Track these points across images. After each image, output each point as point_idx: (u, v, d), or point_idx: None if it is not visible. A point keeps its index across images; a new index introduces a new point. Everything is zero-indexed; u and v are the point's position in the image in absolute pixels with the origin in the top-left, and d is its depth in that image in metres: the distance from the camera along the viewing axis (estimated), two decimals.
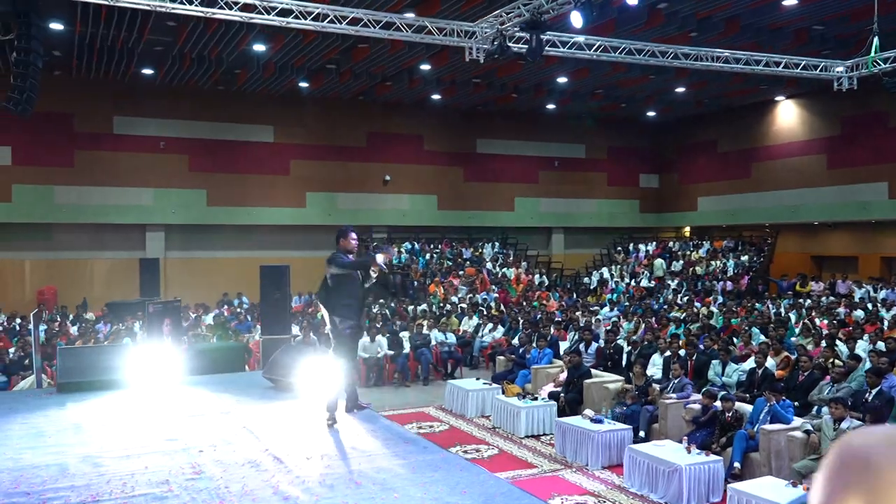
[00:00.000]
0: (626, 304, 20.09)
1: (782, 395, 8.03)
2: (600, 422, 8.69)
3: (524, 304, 20.92)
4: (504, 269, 24.38)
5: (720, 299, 20.99)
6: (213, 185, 23.54)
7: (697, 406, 8.56)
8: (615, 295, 22.78)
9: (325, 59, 19.66)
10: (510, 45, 11.66)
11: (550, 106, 26.18)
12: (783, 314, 16.67)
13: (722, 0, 15.53)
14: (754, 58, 17.11)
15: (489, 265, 24.78)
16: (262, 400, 7.04)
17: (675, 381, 9.29)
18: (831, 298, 19.89)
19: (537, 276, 24.56)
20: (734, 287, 23.15)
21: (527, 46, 11.60)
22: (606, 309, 19.15)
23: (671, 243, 27.93)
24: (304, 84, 22.24)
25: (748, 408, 8.30)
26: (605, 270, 26.32)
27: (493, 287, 22.64)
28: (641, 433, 8.90)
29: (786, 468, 7.27)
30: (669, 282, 24.34)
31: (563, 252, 28.90)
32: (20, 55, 13.24)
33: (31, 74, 13.41)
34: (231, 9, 12.81)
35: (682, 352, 10.92)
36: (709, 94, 24.40)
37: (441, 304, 20.01)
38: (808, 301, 19.65)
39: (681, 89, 23.55)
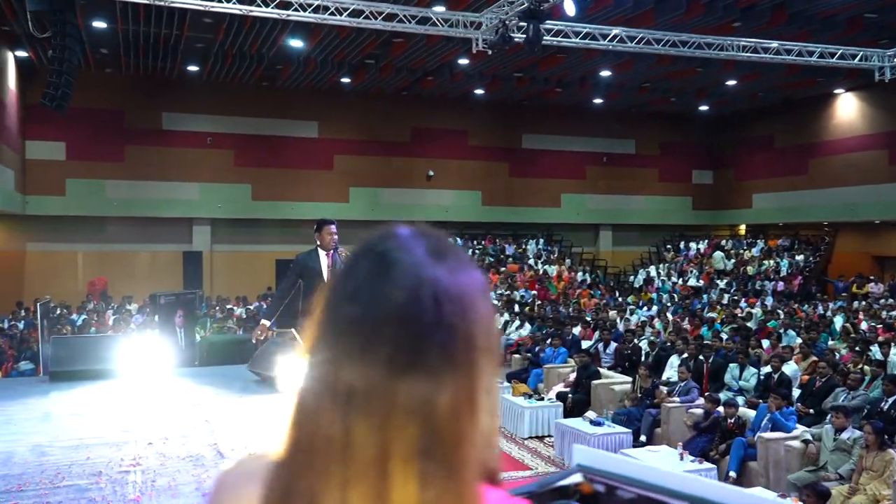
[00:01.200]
0: (667, 303, 19.53)
1: (785, 402, 7.59)
2: (600, 424, 8.42)
3: (564, 301, 20.57)
4: (546, 267, 24.02)
5: (770, 300, 20.23)
6: (258, 180, 23.89)
7: (700, 411, 8.20)
8: (659, 294, 22.18)
9: (364, 54, 19.68)
10: (512, 35, 11.37)
11: (598, 100, 25.64)
12: (829, 316, 15.92)
13: None
14: (807, 48, 16.31)
15: (531, 262, 24.45)
16: (240, 393, 7.04)
17: (682, 385, 8.92)
18: (890, 301, 18.92)
19: (580, 273, 24.10)
20: (786, 288, 22.25)
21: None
22: (645, 308, 18.67)
23: (723, 241, 27.03)
24: (346, 79, 22.35)
25: (753, 414, 7.90)
26: (651, 269, 25.66)
27: (535, 284, 22.35)
28: (643, 437, 8.58)
29: (784, 479, 6.88)
30: (718, 281, 23.57)
31: (611, 249, 28.32)
32: (56, 52, 13.68)
33: (67, 71, 13.83)
34: (267, 6, 12.87)
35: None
36: (763, 86, 23.47)
37: None
38: (863, 303, 18.73)
39: (732, 82, 22.72)
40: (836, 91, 24.16)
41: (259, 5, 13.13)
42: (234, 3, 12.76)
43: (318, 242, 5.94)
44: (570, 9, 10.78)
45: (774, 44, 16.45)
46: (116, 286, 21.73)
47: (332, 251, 5.89)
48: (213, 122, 23.44)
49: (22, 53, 19.71)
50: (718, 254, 25.14)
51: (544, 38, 13.93)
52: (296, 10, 12.86)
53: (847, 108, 24.28)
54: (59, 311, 16.99)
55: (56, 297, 20.12)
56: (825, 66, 19.82)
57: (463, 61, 20.20)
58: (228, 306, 18.37)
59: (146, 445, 5.20)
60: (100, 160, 22.30)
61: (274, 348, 7.41)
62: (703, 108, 26.96)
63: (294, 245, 23.81)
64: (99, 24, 17.19)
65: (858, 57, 15.90)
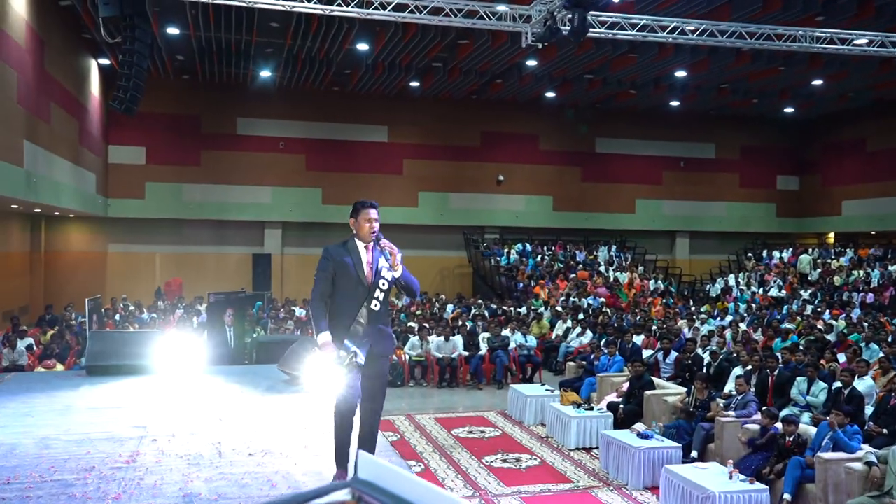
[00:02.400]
0: (744, 314, 18.56)
1: (850, 419, 6.93)
2: (648, 437, 7.90)
3: (633, 310, 19.86)
4: (617, 274, 23.30)
5: (857, 312, 18.97)
6: (329, 184, 24.13)
7: (756, 427, 7.59)
8: (737, 304, 21.13)
9: (430, 57, 19.58)
10: (560, 27, 10.94)
11: (674, 102, 24.78)
12: None
13: None
14: (890, 39, 15.21)
15: (602, 269, 23.78)
16: (264, 392, 6.92)
17: (739, 398, 8.31)
18: None
19: (652, 281, 23.27)
20: (876, 300, 20.84)
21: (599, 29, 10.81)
22: (719, 318, 17.80)
23: (809, 250, 25.62)
24: (415, 83, 22.34)
25: (814, 432, 7.25)
26: (730, 277, 24.55)
27: (605, 290, 21.67)
28: (694, 453, 8.02)
29: None
30: (802, 292, 22.31)
31: (688, 258, 27.30)
32: (126, 56, 14.07)
33: (136, 75, 14.19)
34: (331, 3, 12.83)
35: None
36: (853, 86, 22.16)
37: (544, 307, 19.39)
38: None
39: (818, 82, 21.53)
40: None
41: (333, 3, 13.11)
42: (314, 3, 12.75)
43: (354, 231, 4.66)
44: None
45: (863, 40, 15.38)
46: (191, 287, 22.29)
47: (371, 243, 4.63)
48: (285, 126, 23.84)
49: (105, 61, 20.50)
50: (805, 257, 23.92)
51: (612, 34, 13.48)
52: (339, 4, 12.63)
53: None
54: (130, 309, 17.49)
55: (132, 297, 20.83)
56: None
57: (531, 63, 19.84)
58: (293, 308, 18.50)
59: (150, 442, 5.11)
60: (177, 164, 22.98)
61: (303, 348, 7.27)
62: (788, 109, 25.69)
63: None
64: (173, 31, 17.67)
65: None
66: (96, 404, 6.30)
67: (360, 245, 4.66)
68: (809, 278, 23.55)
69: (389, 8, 11.63)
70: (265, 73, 21.73)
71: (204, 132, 23.26)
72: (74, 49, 18.06)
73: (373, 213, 4.65)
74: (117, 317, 16.63)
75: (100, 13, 13.49)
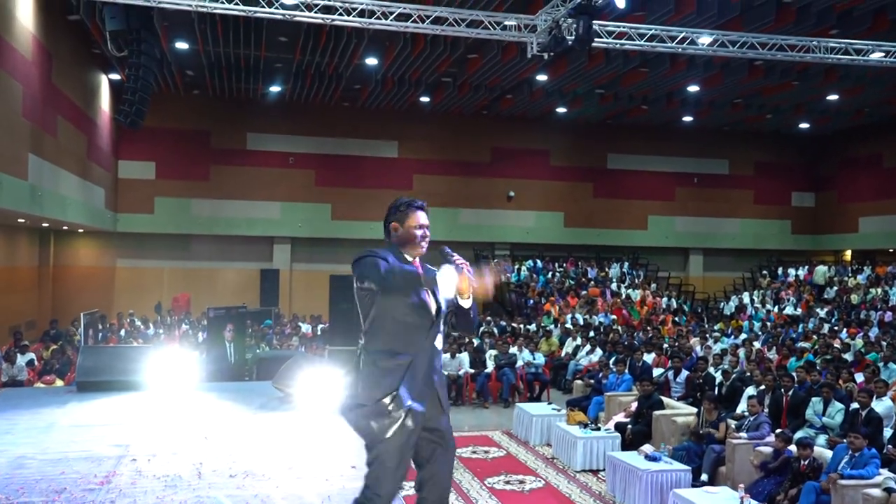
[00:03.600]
0: (758, 332, 18.18)
1: (867, 442, 6.61)
2: (656, 460, 7.60)
3: (645, 328, 19.53)
4: (629, 291, 22.97)
5: (875, 331, 18.54)
6: (338, 200, 24.01)
7: (769, 449, 7.28)
8: (751, 322, 20.73)
9: (440, 72, 19.46)
10: (565, 36, 10.74)
11: (687, 118, 24.53)
12: None
13: None
14: None
15: (614, 285, 23.45)
16: (256, 410, 6.70)
17: (752, 419, 7.99)
18: None
19: (665, 299, 22.91)
20: (894, 318, 20.37)
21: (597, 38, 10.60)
22: (733, 337, 17.45)
23: (826, 264, 25.16)
24: (425, 99, 22.24)
25: (830, 455, 6.93)
26: (745, 295, 24.14)
27: (618, 308, 21.33)
28: (704, 476, 7.71)
29: None
30: (818, 310, 21.87)
31: (702, 275, 26.92)
32: (132, 70, 14.03)
33: (142, 89, 14.16)
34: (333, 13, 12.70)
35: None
36: (869, 101, 21.83)
37: (554, 324, 19.10)
38: None
39: (834, 97, 21.23)
40: None
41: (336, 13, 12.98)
42: (316, 13, 12.65)
43: (395, 239, 3.37)
44: (620, 1, 10.16)
45: (878, 53, 15.06)
46: (199, 302, 22.15)
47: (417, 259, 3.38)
48: (295, 142, 23.79)
49: (115, 76, 20.52)
50: (821, 268, 23.59)
51: (620, 44, 13.29)
52: (340, 14, 12.41)
53: None
54: (136, 324, 17.37)
55: (140, 312, 20.74)
56: None
57: (541, 77, 19.68)
58: (299, 324, 18.32)
59: (129, 462, 4.90)
60: (187, 179, 22.95)
61: (297, 364, 7.05)
62: (803, 125, 25.36)
63: None
64: (182, 46, 17.67)
65: None
66: (80, 422, 6.11)
67: (409, 259, 3.36)
68: (825, 294, 23.10)
69: (391, 18, 11.49)
70: (275, 88, 21.72)
71: (213, 147, 23.23)
72: (83, 63, 18.07)
73: (423, 216, 3.38)
74: (122, 332, 16.51)
75: (106, 26, 13.50)
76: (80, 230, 21.02)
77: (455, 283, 3.18)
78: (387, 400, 3.12)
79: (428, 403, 3.25)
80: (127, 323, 17.71)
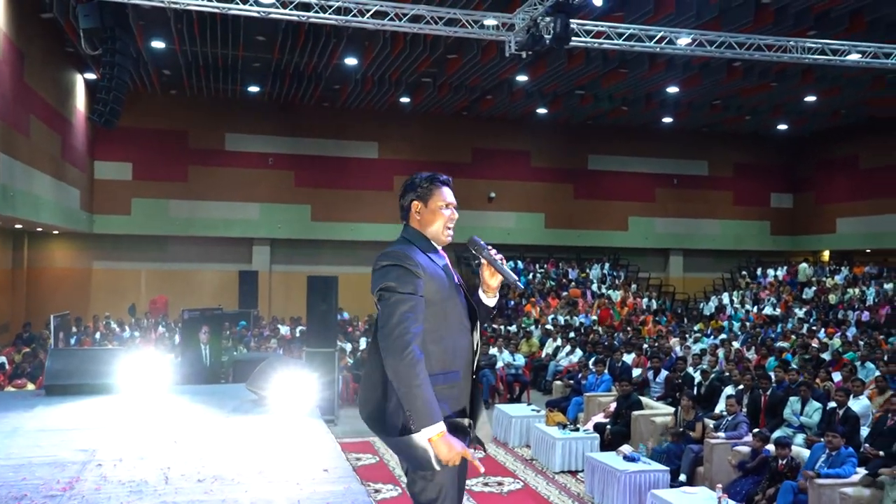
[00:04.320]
0: (737, 332, 18.25)
1: (845, 441, 6.60)
2: (634, 460, 7.56)
3: (626, 328, 19.55)
4: (610, 292, 23.00)
5: (853, 330, 18.68)
6: (318, 201, 23.85)
7: (747, 449, 7.25)
8: (730, 322, 20.83)
9: (420, 72, 19.38)
10: (542, 35, 10.70)
11: (667, 119, 24.62)
12: None
13: None
14: (882, 50, 14.97)
15: (595, 286, 23.48)
16: (228, 413, 6.57)
17: (730, 418, 7.97)
18: None
19: (645, 299, 22.96)
20: (871, 318, 20.56)
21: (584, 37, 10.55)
22: (712, 337, 17.50)
23: (808, 259, 25.34)
24: (405, 99, 22.14)
25: (807, 454, 6.92)
26: (725, 295, 24.26)
27: (597, 309, 21.36)
28: (682, 476, 7.67)
29: None
30: (797, 310, 22.02)
31: (682, 275, 27.03)
32: (106, 69, 13.81)
33: (116, 88, 13.93)
34: (309, 10, 12.57)
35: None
36: (846, 103, 22.00)
37: (534, 325, 19.07)
38: None
39: (811, 98, 21.37)
40: None
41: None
42: (291, 9, 12.52)
43: (416, 223, 2.91)
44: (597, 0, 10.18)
45: (855, 55, 15.14)
46: (177, 304, 21.90)
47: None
48: (274, 142, 23.60)
49: (91, 76, 20.23)
50: (804, 266, 23.92)
51: (598, 43, 13.28)
52: (316, 12, 12.25)
53: None
54: (111, 327, 17.12)
55: (116, 315, 20.47)
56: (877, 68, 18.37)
57: (521, 78, 19.65)
58: (278, 326, 18.15)
59: (94, 467, 4.76)
60: (164, 180, 22.69)
61: (271, 366, 6.93)
62: (781, 127, 25.54)
63: (353, 266, 23.70)
64: (158, 45, 17.44)
65: None
66: (47, 426, 5.94)
67: (438, 249, 2.89)
68: (804, 294, 23.25)
69: (368, 15, 11.38)
70: (253, 89, 21.54)
71: (191, 148, 22.98)
72: (57, 62, 17.80)
73: (450, 194, 2.91)
74: (97, 335, 16.26)
75: (80, 25, 13.27)
76: (55, 231, 20.71)
77: (496, 280, 2.84)
78: (456, 422, 2.68)
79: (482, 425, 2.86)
80: (102, 325, 17.44)
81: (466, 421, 2.74)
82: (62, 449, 5.19)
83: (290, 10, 11.51)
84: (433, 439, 2.52)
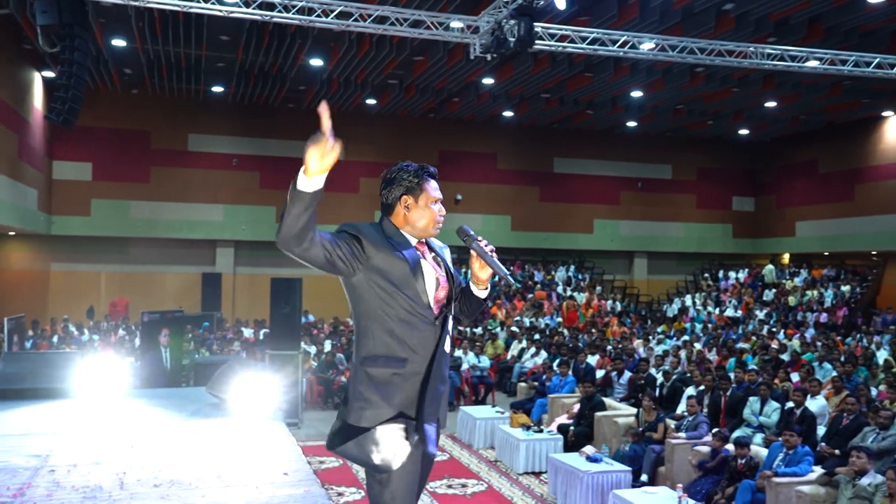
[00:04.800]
0: (699, 333, 18.50)
1: (802, 439, 6.71)
2: (597, 461, 7.60)
3: (590, 330, 19.69)
4: (575, 294, 23.15)
5: (811, 332, 19.07)
6: (283, 202, 23.59)
7: (707, 449, 7.34)
8: (693, 324, 21.11)
9: (386, 74, 19.31)
10: (507, 38, 10.76)
11: (631, 123, 24.87)
12: (872, 350, 14.76)
13: None
14: (839, 57, 15.27)
15: (560, 289, 23.62)
16: (188, 417, 6.47)
17: (690, 419, 8.06)
18: None
19: (610, 301, 23.16)
20: (829, 319, 21.00)
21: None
22: (675, 338, 17.72)
23: (764, 270, 25.79)
24: (371, 101, 22.07)
25: (766, 453, 7.02)
26: (687, 298, 24.58)
27: (573, 311, 21.49)
28: (644, 476, 7.74)
29: None
30: (757, 312, 22.41)
31: (646, 278, 27.31)
32: (64, 66, 13.52)
33: (75, 86, 13.63)
34: (272, 10, 12.42)
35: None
36: (805, 109, 22.43)
37: (500, 327, 19.12)
38: None
39: (771, 104, 21.74)
40: (884, 114, 22.97)
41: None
42: (254, 8, 12.38)
43: (403, 216, 2.81)
44: (560, 3, 10.26)
45: (813, 62, 15.44)
46: (138, 307, 21.52)
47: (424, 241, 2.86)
48: (239, 143, 23.35)
49: (49, 74, 19.83)
50: (769, 267, 24.41)
51: (562, 47, 13.37)
52: (280, 11, 12.12)
53: (895, 132, 23.05)
54: (69, 330, 16.78)
55: (75, 318, 20.06)
56: (868, 86, 18.85)
57: (487, 81, 19.70)
58: (241, 328, 17.95)
59: (46, 473, 4.64)
60: (125, 180, 22.31)
61: (231, 370, 6.84)
62: (743, 131, 25.97)
63: (321, 270, 23.51)
64: (119, 43, 17.16)
65: None
66: (1, 432, 5.79)
67: (411, 242, 2.80)
68: (764, 297, 23.65)
69: (332, 16, 11.32)
70: (217, 89, 21.30)
71: (153, 148, 22.64)
72: (13, 59, 17.41)
73: (437, 188, 2.85)
74: (55, 338, 15.92)
75: (37, 21, 12.99)
76: (11, 233, 20.26)
77: (486, 272, 2.77)
78: (392, 424, 2.56)
79: (435, 429, 2.72)
80: (60, 328, 17.09)
81: (406, 422, 2.61)
82: (13, 455, 5.05)
83: (254, 9, 11.40)
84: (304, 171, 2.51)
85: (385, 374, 2.62)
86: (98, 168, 22.17)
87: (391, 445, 2.57)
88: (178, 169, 22.73)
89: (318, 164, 2.56)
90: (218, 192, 23.03)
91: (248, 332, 17.28)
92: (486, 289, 2.88)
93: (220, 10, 12.03)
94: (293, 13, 11.32)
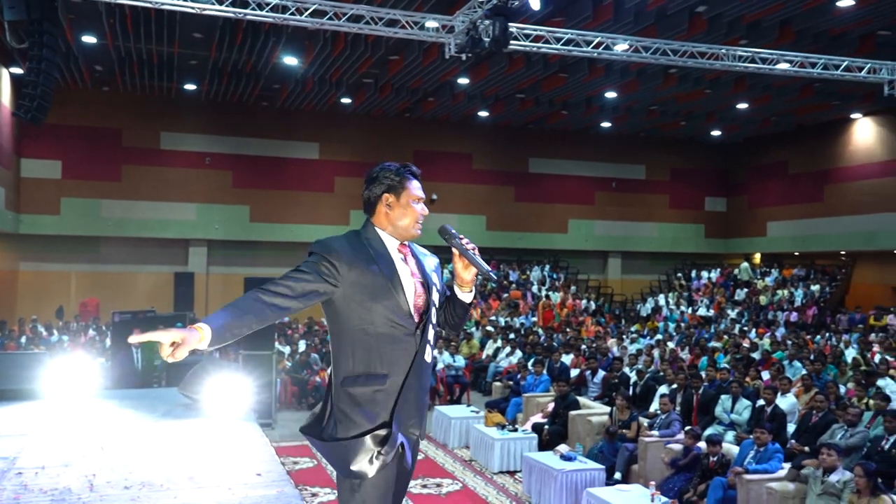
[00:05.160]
0: (672, 333, 18.67)
1: (772, 437, 6.80)
2: (571, 459, 7.63)
3: (565, 329, 19.79)
4: (550, 293, 23.26)
5: (781, 330, 19.32)
6: (257, 202, 23.49)
7: (679, 447, 7.41)
8: (666, 323, 21.30)
9: (361, 73, 19.25)
10: (482, 38, 10.79)
11: (605, 124, 25.04)
12: (841, 348, 15.00)
13: (768, 1, 14.18)
14: (809, 60, 15.48)
15: (535, 288, 23.71)
16: (159, 418, 6.39)
17: (663, 417, 8.13)
18: None
19: (584, 301, 23.30)
20: (799, 318, 21.30)
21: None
22: (649, 337, 17.86)
23: (736, 270, 26.11)
24: (346, 100, 22.00)
25: (737, 451, 7.10)
26: (661, 297, 24.80)
27: (548, 311, 21.58)
28: (618, 474, 7.79)
29: None
30: (729, 311, 22.68)
31: (620, 277, 27.52)
32: (33, 63, 13.31)
33: (44, 83, 13.42)
34: (246, 7, 12.30)
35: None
36: (776, 110, 22.73)
37: (475, 326, 19.13)
38: (880, 335, 17.78)
39: (743, 105, 22.01)
40: (853, 116, 23.35)
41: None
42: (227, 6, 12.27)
43: (384, 217, 2.73)
44: (534, 3, 10.31)
45: (784, 64, 15.64)
46: (109, 307, 21.22)
47: (407, 244, 2.80)
48: (212, 142, 23.15)
49: (17, 70, 19.50)
50: (745, 265, 24.79)
51: (537, 47, 13.43)
52: (253, 8, 11.98)
53: (864, 134, 23.44)
54: (38, 330, 16.52)
55: (45, 318, 19.74)
56: (838, 88, 19.16)
57: (462, 81, 19.72)
58: None
59: (13, 476, 4.56)
60: (96, 179, 22.03)
61: (204, 370, 6.77)
62: (715, 133, 26.25)
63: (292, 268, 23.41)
64: (90, 40, 16.93)
65: (866, 69, 15.09)
66: None
67: (392, 245, 2.73)
68: (736, 296, 23.94)
69: (306, 14, 11.25)
70: (190, 86, 21.10)
71: (125, 146, 22.36)
72: None
73: (420, 187, 2.79)
74: (23, 339, 15.66)
75: (5, 16, 12.78)
76: None
77: (469, 273, 2.68)
78: (370, 438, 2.51)
79: (415, 440, 2.68)
80: (28, 329, 16.81)
81: (383, 432, 2.55)
82: None
83: (227, 6, 11.29)
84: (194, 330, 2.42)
85: (367, 392, 2.57)
86: (68, 166, 21.87)
87: (366, 453, 2.53)
88: (150, 167, 22.48)
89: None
90: (191, 190, 22.82)
91: None
92: (471, 291, 2.79)
93: (193, 8, 11.91)
94: (267, 11, 11.23)
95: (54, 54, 13.56)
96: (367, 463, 2.52)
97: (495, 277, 2.80)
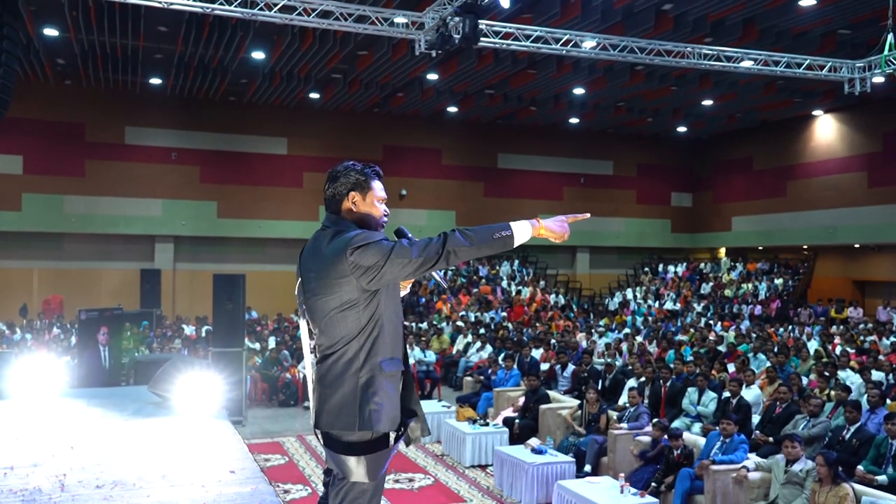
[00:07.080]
0: (640, 326, 18.90)
1: (738, 428, 6.95)
2: (542, 452, 7.72)
3: (534, 324, 19.93)
4: (519, 288, 23.40)
5: (746, 324, 19.67)
6: (224, 197, 23.26)
7: (647, 439, 7.53)
8: (634, 317, 21.55)
9: (330, 68, 19.16)
10: (452, 35, 10.84)
11: (574, 120, 25.23)
12: (804, 340, 15.32)
13: (732, 0, 14.40)
14: (773, 58, 15.75)
15: (504, 283, 23.84)
16: (129, 416, 6.34)
17: (632, 410, 8.26)
18: (870, 325, 18.40)
19: (553, 295, 23.48)
20: (763, 311, 21.70)
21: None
22: (617, 331, 18.06)
23: (702, 265, 26.51)
24: (315, 95, 21.86)
25: (703, 442, 7.24)
26: (629, 291, 25.09)
27: (520, 306, 21.70)
28: (588, 467, 7.89)
29: None
30: (695, 305, 23.02)
31: (588, 272, 27.76)
32: None
33: (4, 76, 13.15)
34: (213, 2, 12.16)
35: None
36: (741, 107, 23.11)
37: (445, 321, 19.19)
38: (841, 328, 18.21)
39: (708, 102, 22.33)
40: (815, 113, 23.82)
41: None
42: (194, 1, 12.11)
43: (356, 216, 2.70)
44: (504, 0, 10.38)
45: (748, 62, 15.91)
46: (73, 305, 20.91)
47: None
48: (178, 137, 22.86)
49: None
50: (725, 260, 25.62)
51: (506, 44, 13.49)
52: (221, 3, 11.83)
53: (825, 131, 23.92)
54: (0, 329, 16.22)
55: (5, 316, 19.37)
56: (800, 86, 19.54)
57: (432, 76, 19.71)
58: (182, 325, 17.61)
59: None
60: (59, 174, 21.63)
61: (175, 368, 6.72)
62: (682, 129, 26.60)
63: (261, 264, 23.27)
64: (51, 32, 16.62)
65: (827, 68, 15.41)
66: None
67: None
68: (702, 290, 24.30)
69: (276, 9, 11.17)
70: (155, 81, 20.80)
71: (89, 141, 21.98)
72: None
73: (383, 189, 2.82)
74: None
75: None
76: None
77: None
78: (409, 424, 2.64)
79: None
80: None
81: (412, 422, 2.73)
82: None
83: (195, 1, 11.16)
84: (539, 229, 2.65)
85: (392, 375, 2.62)
86: (29, 161, 21.44)
87: (383, 458, 2.59)
88: (114, 162, 22.14)
89: (557, 235, 2.74)
90: (156, 186, 22.53)
91: (189, 330, 16.97)
92: (407, 290, 2.94)
93: (159, 2, 11.75)
94: (235, 6, 11.12)
95: (15, 47, 13.28)
96: (382, 460, 2.60)
97: (445, 286, 2.90)
